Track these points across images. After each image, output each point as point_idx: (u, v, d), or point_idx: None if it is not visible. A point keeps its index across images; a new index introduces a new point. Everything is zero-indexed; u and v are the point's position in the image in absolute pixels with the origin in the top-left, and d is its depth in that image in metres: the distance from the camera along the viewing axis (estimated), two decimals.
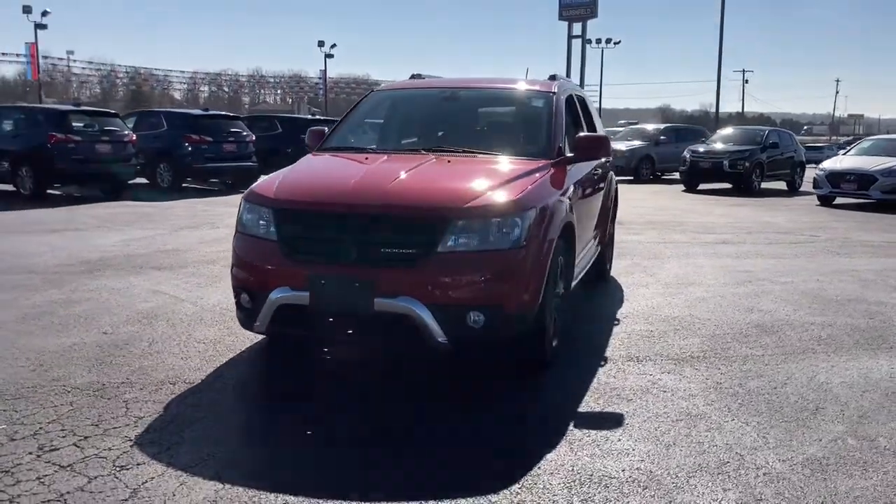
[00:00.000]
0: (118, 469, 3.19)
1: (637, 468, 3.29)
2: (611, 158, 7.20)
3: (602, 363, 4.76)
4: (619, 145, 24.66)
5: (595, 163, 6.13)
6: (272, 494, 2.98)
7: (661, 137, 24.89)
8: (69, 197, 15.10)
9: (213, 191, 17.55)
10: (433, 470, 3.25)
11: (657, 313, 6.05)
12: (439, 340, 3.94)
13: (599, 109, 72.86)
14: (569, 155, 5.22)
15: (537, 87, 5.79)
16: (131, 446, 3.42)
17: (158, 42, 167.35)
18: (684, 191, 20.21)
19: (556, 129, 5.27)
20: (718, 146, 20.48)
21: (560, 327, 4.86)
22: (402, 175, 4.47)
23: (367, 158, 5.01)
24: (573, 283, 5.37)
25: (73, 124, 14.52)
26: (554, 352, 4.68)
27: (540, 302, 4.29)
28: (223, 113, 19.48)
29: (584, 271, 5.92)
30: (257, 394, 4.29)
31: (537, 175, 4.68)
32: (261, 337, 4.87)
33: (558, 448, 3.48)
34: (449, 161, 4.85)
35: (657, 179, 24.51)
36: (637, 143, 24.76)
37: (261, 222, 4.32)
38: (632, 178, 23.84)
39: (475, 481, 3.12)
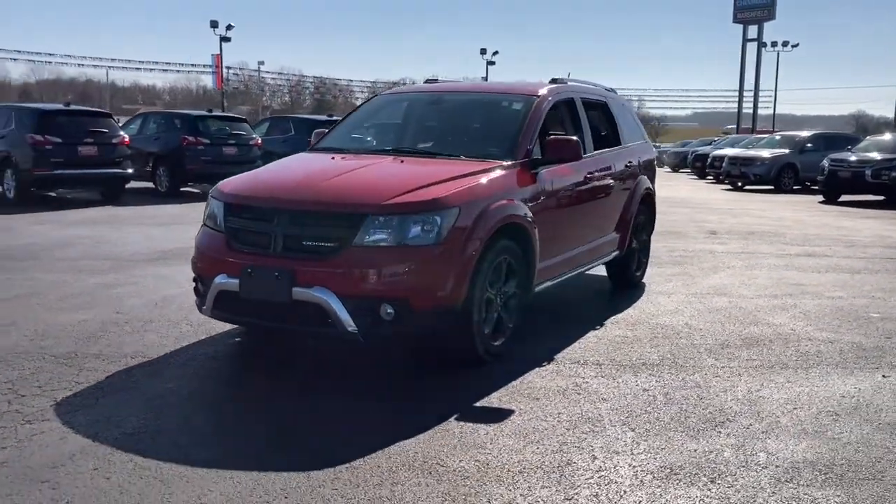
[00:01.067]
0: (22, 422, 3.67)
1: (477, 460, 3.37)
2: (638, 162, 7.08)
3: (545, 363, 4.79)
4: (762, 152, 23.50)
5: (600, 167, 6.11)
6: (136, 456, 3.34)
7: (808, 145, 23.41)
8: (203, 194, 16.45)
9: None
10: (297, 445, 3.50)
11: (651, 321, 5.94)
12: (349, 330, 4.17)
13: (773, 115, 68.73)
14: (536, 157, 5.25)
15: (520, 91, 5.87)
16: (50, 406, 3.90)
17: (341, 52, 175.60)
18: (821, 202, 18.94)
19: (526, 132, 5.33)
20: (864, 154, 18.96)
21: (514, 326, 4.97)
22: (343, 174, 4.74)
23: (332, 158, 5.32)
24: (545, 285, 5.41)
25: (205, 129, 15.66)
26: (497, 350, 4.76)
27: (465, 299, 4.39)
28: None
29: (571, 275, 5.92)
30: (198, 371, 4.66)
31: (481, 176, 4.80)
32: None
33: (416, 437, 3.61)
34: (402, 161, 5.06)
35: (802, 190, 23.08)
36: (781, 150, 23.45)
37: (216, 215, 4.74)
38: (772, 187, 22.62)
39: (299, 458, 3.33)
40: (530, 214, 5.01)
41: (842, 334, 5.68)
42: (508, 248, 4.80)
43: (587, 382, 4.47)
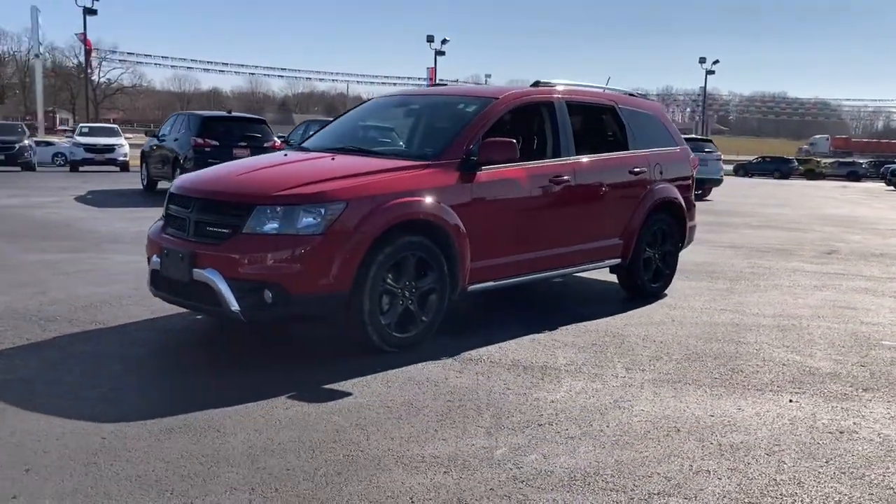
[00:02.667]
0: None
1: (256, 430, 3.65)
2: (655, 170, 6.85)
3: (447, 358, 4.89)
4: None
5: (579, 170, 6.10)
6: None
7: None
8: None
9: None
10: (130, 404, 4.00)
11: (614, 329, 5.76)
12: (232, 309, 4.58)
13: None
14: (473, 158, 5.34)
15: (479, 94, 5.95)
16: None
17: (563, 61, 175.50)
18: None
19: (464, 133, 5.43)
20: None
21: (431, 321, 5.13)
22: (261, 169, 5.18)
23: (285, 155, 5.76)
24: (485, 284, 5.49)
25: (215, 130, 15.75)
26: (401, 341, 4.93)
27: (351, 289, 4.65)
28: None
29: (540, 277, 6.04)
30: (145, 338, 5.24)
31: (392, 174, 5.03)
32: None
33: (235, 406, 3.93)
34: (333, 159, 5.39)
35: None
36: None
37: (166, 203, 5.36)
38: None
39: (126, 413, 3.79)
40: (453, 213, 5.10)
41: (826, 362, 5.18)
42: (418, 243, 4.95)
43: (457, 378, 4.52)
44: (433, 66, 62.24)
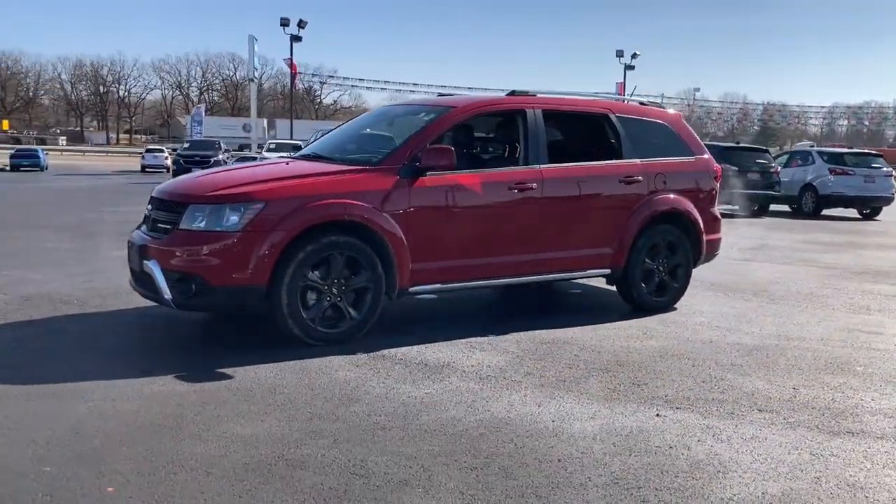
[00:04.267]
0: None
1: (121, 398, 4.15)
2: (657, 180, 6.67)
3: (360, 353, 5.15)
4: None
5: (549, 178, 6.10)
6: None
7: None
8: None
9: None
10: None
11: (564, 340, 5.68)
12: (165, 298, 5.14)
13: None
14: (416, 164, 5.56)
15: (441, 104, 6.14)
16: None
17: (791, 76, 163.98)
18: None
19: (410, 141, 5.67)
20: None
21: (364, 318, 5.38)
22: (215, 174, 5.74)
23: (256, 162, 6.28)
24: (433, 286, 5.71)
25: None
26: (325, 336, 5.23)
27: (269, 283, 5.07)
28: None
29: (504, 282, 6.21)
30: (130, 322, 5.94)
31: (324, 177, 5.42)
32: None
33: (130, 378, 4.46)
34: (287, 164, 5.85)
35: None
36: None
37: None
38: None
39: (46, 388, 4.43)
40: (385, 215, 5.35)
41: (752, 379, 4.90)
42: (345, 243, 5.25)
43: (346, 372, 4.74)
44: (622, 80, 61.27)
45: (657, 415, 4.15)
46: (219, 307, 5.34)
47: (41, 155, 41.05)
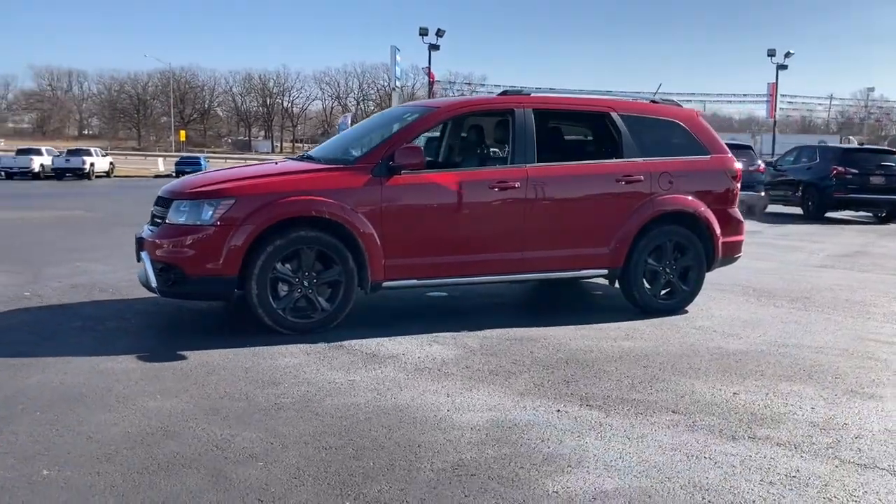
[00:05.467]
0: None
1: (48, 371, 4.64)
2: (662, 180, 6.54)
3: (322, 343, 5.42)
4: None
5: (536, 176, 6.12)
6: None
7: None
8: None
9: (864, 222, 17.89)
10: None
11: (529, 338, 5.70)
12: (153, 286, 5.65)
13: None
14: (390, 163, 5.78)
15: (428, 105, 6.30)
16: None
17: None
18: None
19: (389, 140, 5.89)
20: None
21: (335, 310, 5.65)
22: (207, 173, 6.17)
23: (260, 162, 6.68)
24: (408, 282, 5.90)
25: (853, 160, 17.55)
26: (295, 325, 5.52)
27: (239, 273, 5.45)
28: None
29: (486, 280, 6.26)
30: (137, 308, 6.49)
31: (296, 175, 5.78)
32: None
33: (95, 357, 4.97)
34: (276, 164, 6.22)
35: None
36: None
37: None
38: None
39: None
40: (355, 212, 5.60)
41: (698, 383, 4.78)
42: (315, 238, 5.54)
43: (292, 359, 5.01)
44: (774, 81, 58.34)
45: (558, 410, 4.14)
46: (195, 296, 5.75)
47: (203, 162, 44.62)
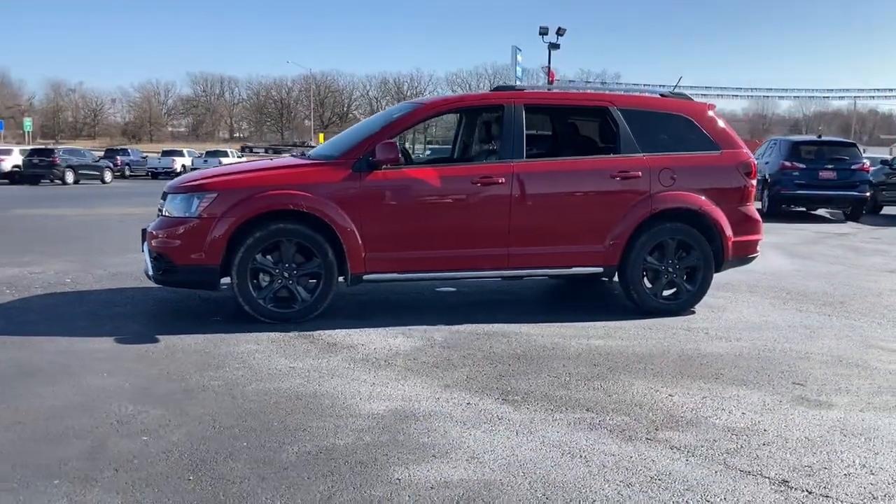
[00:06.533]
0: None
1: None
2: (663, 175, 6.36)
3: (294, 332, 5.65)
4: None
5: (520, 172, 6.08)
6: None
7: None
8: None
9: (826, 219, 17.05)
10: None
11: (499, 334, 5.69)
12: (149, 274, 6.06)
13: None
14: (371, 159, 5.92)
15: (416, 102, 6.38)
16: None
17: None
18: None
19: (372, 136, 6.03)
20: None
21: (314, 301, 5.85)
22: (210, 169, 6.52)
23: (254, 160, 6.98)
24: (388, 276, 6.04)
25: (803, 153, 16.68)
26: (273, 313, 5.77)
27: (222, 264, 5.77)
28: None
29: (470, 276, 6.31)
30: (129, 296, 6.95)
31: (277, 170, 6.06)
32: None
33: (73, 337, 5.41)
34: (271, 159, 6.49)
35: None
36: None
37: None
38: None
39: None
40: (334, 206, 5.78)
41: (638, 383, 4.67)
42: (294, 230, 5.77)
43: (253, 346, 5.24)
44: None
45: (468, 404, 4.16)
46: (183, 283, 6.06)
47: None
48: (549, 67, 54.94)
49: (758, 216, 6.67)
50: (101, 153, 47.92)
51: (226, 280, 5.76)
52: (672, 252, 6.35)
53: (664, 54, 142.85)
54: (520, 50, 56.74)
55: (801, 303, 7.09)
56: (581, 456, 3.48)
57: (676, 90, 6.88)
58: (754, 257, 6.72)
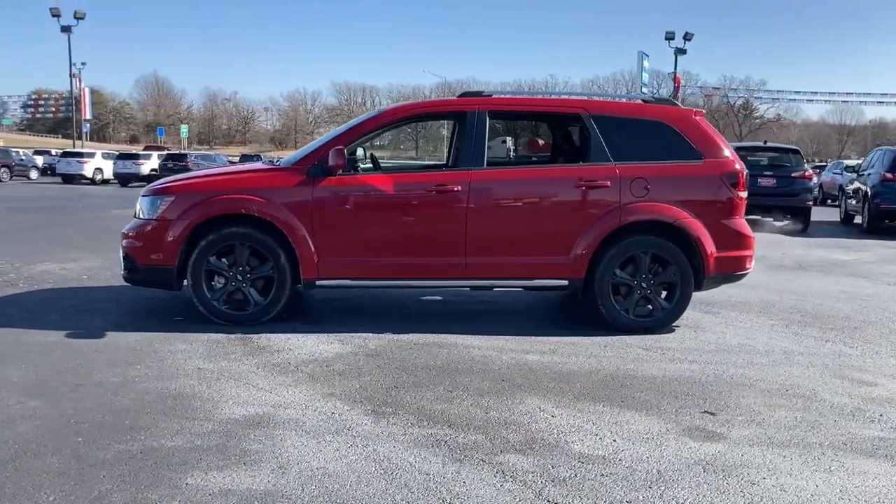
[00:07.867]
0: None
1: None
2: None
3: (236, 333, 5.79)
4: None
5: (477, 180, 5.96)
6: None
7: None
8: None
9: None
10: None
11: (444, 344, 5.56)
12: (122, 274, 6.37)
13: None
14: (325, 164, 5.97)
15: (379, 109, 6.35)
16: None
17: None
18: None
19: (328, 142, 6.08)
20: None
21: (268, 304, 5.94)
22: (184, 174, 6.76)
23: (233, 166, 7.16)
24: (342, 282, 6.03)
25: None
26: (228, 315, 5.91)
27: (177, 265, 5.98)
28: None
29: (425, 285, 6.25)
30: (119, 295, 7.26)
31: (232, 175, 6.22)
32: None
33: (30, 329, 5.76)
34: (236, 166, 6.66)
35: None
36: None
37: None
38: None
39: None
40: (286, 210, 5.86)
41: (547, 403, 4.48)
42: (245, 234, 5.90)
43: (180, 346, 5.37)
44: None
45: (332, 413, 4.12)
46: (145, 283, 6.27)
47: None
48: (674, 73, 53.41)
49: (748, 230, 6.20)
50: (237, 158, 50.61)
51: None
52: (646, 267, 6.01)
53: (814, 62, 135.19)
54: (647, 56, 55.40)
55: (806, 326, 6.53)
56: (391, 473, 3.37)
57: (660, 96, 6.50)
58: (743, 274, 6.25)
